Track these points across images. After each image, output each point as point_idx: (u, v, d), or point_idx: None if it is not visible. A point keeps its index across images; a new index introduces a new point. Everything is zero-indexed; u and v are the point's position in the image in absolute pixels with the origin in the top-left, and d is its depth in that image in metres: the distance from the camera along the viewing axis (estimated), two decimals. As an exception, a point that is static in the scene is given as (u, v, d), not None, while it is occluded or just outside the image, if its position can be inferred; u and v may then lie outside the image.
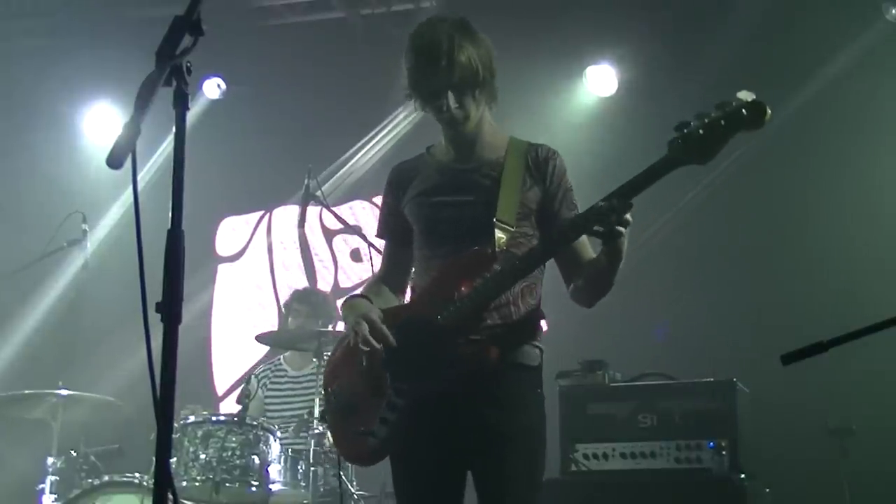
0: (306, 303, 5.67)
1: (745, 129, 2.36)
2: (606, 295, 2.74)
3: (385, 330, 2.68)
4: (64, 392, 4.96)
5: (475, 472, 2.73)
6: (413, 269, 2.96)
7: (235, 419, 4.63)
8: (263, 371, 5.62)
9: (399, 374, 2.69)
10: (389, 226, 2.99)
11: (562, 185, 2.82)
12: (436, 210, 2.82)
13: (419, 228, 2.87)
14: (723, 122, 2.38)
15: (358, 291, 3.02)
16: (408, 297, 2.99)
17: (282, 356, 5.64)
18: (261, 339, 5.45)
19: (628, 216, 2.50)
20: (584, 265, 2.74)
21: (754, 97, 2.35)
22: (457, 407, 2.65)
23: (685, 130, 2.45)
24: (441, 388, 2.65)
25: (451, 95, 2.72)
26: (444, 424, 2.67)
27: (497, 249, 2.66)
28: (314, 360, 5.00)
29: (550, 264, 2.81)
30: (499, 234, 2.68)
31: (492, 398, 2.67)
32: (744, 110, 2.35)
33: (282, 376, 5.53)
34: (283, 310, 5.83)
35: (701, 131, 2.41)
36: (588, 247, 2.75)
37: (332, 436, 2.95)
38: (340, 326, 7.09)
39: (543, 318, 2.84)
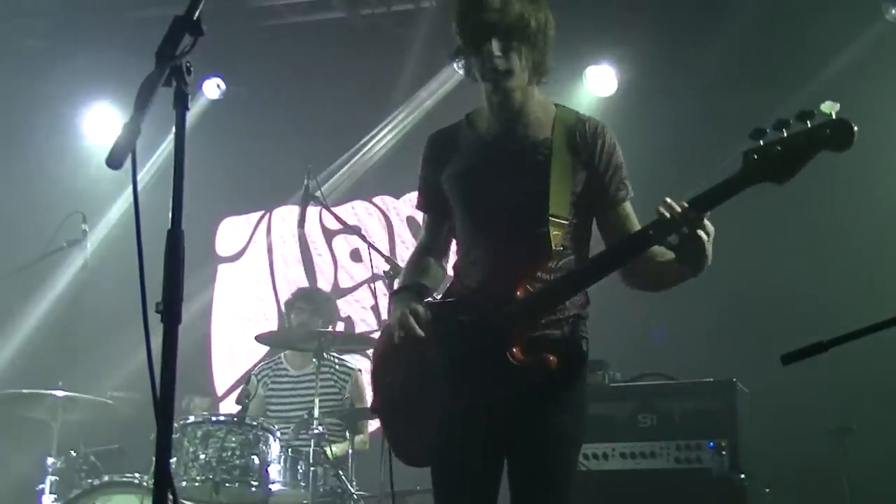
0: (310, 301, 5.67)
1: (830, 149, 2.19)
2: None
3: (432, 330, 2.57)
4: (60, 393, 4.96)
5: (515, 471, 2.63)
6: (456, 245, 2.83)
7: (235, 419, 4.62)
8: (263, 370, 5.62)
9: (453, 376, 2.60)
10: (430, 201, 2.84)
11: (611, 164, 2.65)
12: (479, 194, 2.66)
13: (460, 209, 2.72)
14: (804, 140, 2.21)
15: (403, 275, 2.90)
16: (450, 268, 2.88)
17: (282, 355, 5.64)
18: (261, 339, 5.45)
19: (707, 224, 2.34)
20: (648, 257, 2.52)
21: (838, 112, 2.18)
22: (508, 415, 2.56)
23: (762, 142, 2.27)
24: (495, 395, 2.55)
25: (495, 42, 2.54)
26: (495, 431, 2.59)
27: (554, 248, 2.54)
28: (314, 360, 4.99)
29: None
30: (554, 230, 2.54)
31: (545, 406, 2.57)
32: (828, 129, 2.18)
33: (283, 376, 5.53)
34: (283, 308, 5.82)
35: (779, 148, 2.23)
36: (637, 224, 2.62)
37: (386, 432, 2.80)
38: (340, 327, 7.11)
39: (588, 304, 2.72)
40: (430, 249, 2.88)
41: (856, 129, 2.16)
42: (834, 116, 2.18)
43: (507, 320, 2.53)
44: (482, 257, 2.66)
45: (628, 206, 2.70)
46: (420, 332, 2.56)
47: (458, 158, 2.72)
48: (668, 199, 2.35)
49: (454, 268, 2.82)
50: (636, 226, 2.62)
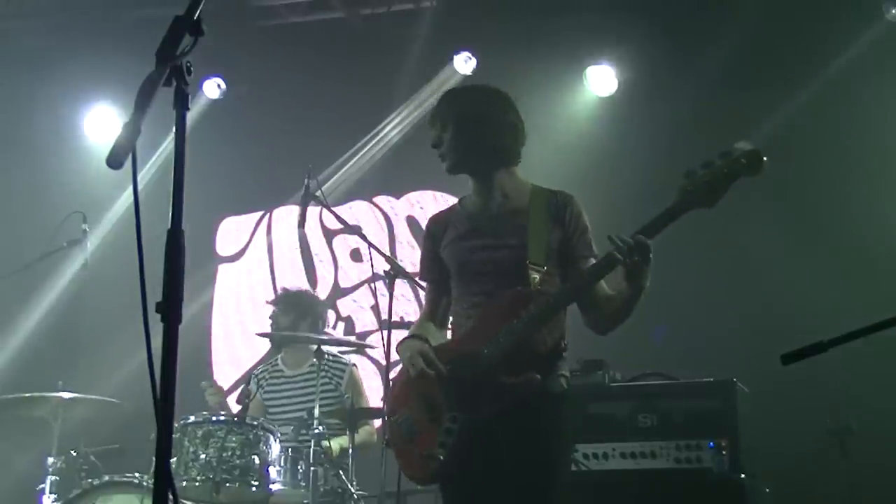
0: (292, 305, 5.52)
1: (746, 174, 2.69)
2: (618, 326, 3.07)
3: (438, 364, 3.02)
4: (63, 395, 4.96)
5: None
6: (453, 309, 3.27)
7: (235, 419, 4.62)
8: (261, 371, 5.61)
9: (452, 404, 3.01)
10: (431, 271, 3.31)
11: (578, 228, 3.11)
12: (471, 253, 3.13)
13: (455, 270, 3.18)
14: (725, 170, 2.70)
15: (409, 332, 3.35)
16: (449, 333, 3.32)
17: (279, 356, 5.63)
18: (263, 336, 5.45)
19: (645, 253, 2.77)
20: (601, 296, 3.03)
21: (750, 147, 2.69)
22: (500, 432, 2.95)
23: (693, 178, 2.73)
24: (487, 416, 2.96)
25: (436, 134, 3.23)
26: (491, 448, 2.96)
27: (533, 289, 2.97)
28: (314, 359, 4.99)
29: None
30: (533, 274, 2.99)
31: (525, 426, 2.95)
32: (742, 159, 2.68)
33: (279, 376, 5.52)
34: (276, 308, 5.71)
35: (707, 178, 2.71)
36: (602, 283, 3.04)
37: (399, 459, 3.23)
38: (340, 327, 7.11)
39: (566, 350, 3.12)
40: (429, 317, 3.34)
41: (765, 158, 2.66)
42: (747, 150, 2.69)
43: (493, 350, 2.97)
44: (473, 306, 3.11)
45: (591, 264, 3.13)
46: (428, 369, 3.02)
47: (453, 229, 3.22)
48: (612, 236, 2.81)
49: (451, 327, 3.30)
50: (600, 282, 3.05)
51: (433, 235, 3.28)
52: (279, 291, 5.88)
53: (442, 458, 2.97)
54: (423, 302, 3.44)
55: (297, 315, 5.47)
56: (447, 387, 3.02)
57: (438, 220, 3.31)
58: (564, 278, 3.08)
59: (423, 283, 3.41)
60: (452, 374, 3.02)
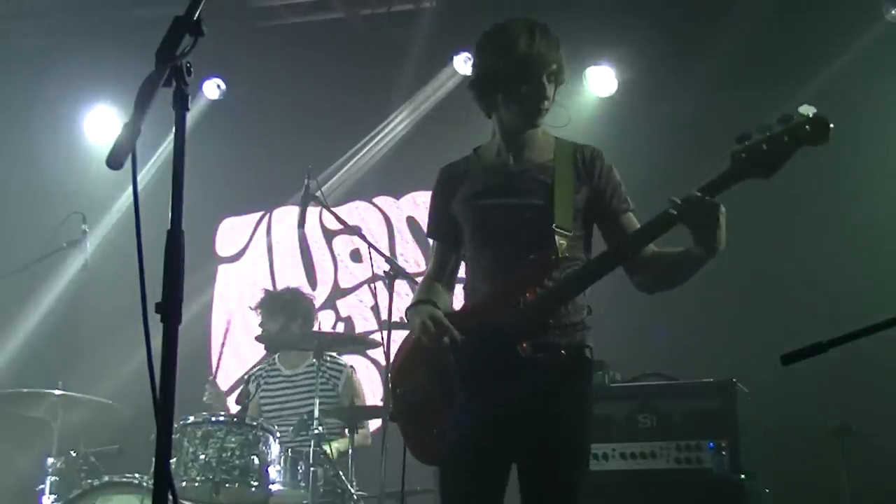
0: (275, 307, 5.45)
1: (809, 143, 2.44)
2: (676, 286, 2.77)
3: (454, 331, 2.71)
4: (64, 393, 4.96)
5: (525, 476, 2.76)
6: (465, 270, 2.98)
7: (235, 419, 4.62)
8: (258, 371, 5.60)
9: (469, 379, 2.72)
10: (439, 227, 3.02)
11: (611, 182, 2.86)
12: (487, 212, 2.85)
13: (469, 230, 2.89)
14: (786, 137, 2.44)
15: (415, 295, 3.04)
16: (458, 297, 3.03)
17: (276, 356, 5.62)
18: (260, 339, 5.44)
19: (716, 212, 2.52)
20: (650, 256, 2.73)
21: (815, 111, 2.44)
22: (521, 417, 2.69)
23: (747, 143, 2.47)
24: (507, 398, 2.69)
25: (547, 82, 2.81)
26: (512, 430, 2.71)
27: (560, 256, 2.70)
28: (313, 359, 4.99)
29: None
30: (559, 240, 2.72)
31: (551, 406, 2.71)
32: (807, 126, 2.43)
33: (276, 376, 5.51)
34: (260, 314, 5.63)
35: (764, 146, 2.45)
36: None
37: (404, 435, 2.93)
38: (340, 327, 7.11)
39: (590, 314, 2.86)
40: (437, 278, 3.01)
41: (832, 125, 2.42)
42: (811, 115, 2.45)
43: (515, 321, 2.68)
44: (491, 271, 2.82)
45: (631, 217, 2.87)
46: (443, 337, 2.70)
47: (468, 184, 2.92)
48: (676, 199, 2.52)
49: (464, 289, 2.97)
50: (636, 226, 2.78)
51: (444, 189, 2.97)
52: (261, 295, 5.70)
53: (455, 439, 2.73)
54: (430, 260, 3.09)
55: (286, 318, 5.44)
56: (462, 359, 2.71)
57: (451, 172, 2.99)
58: (587, 241, 2.85)
59: (430, 240, 3.09)
60: (469, 346, 2.71)
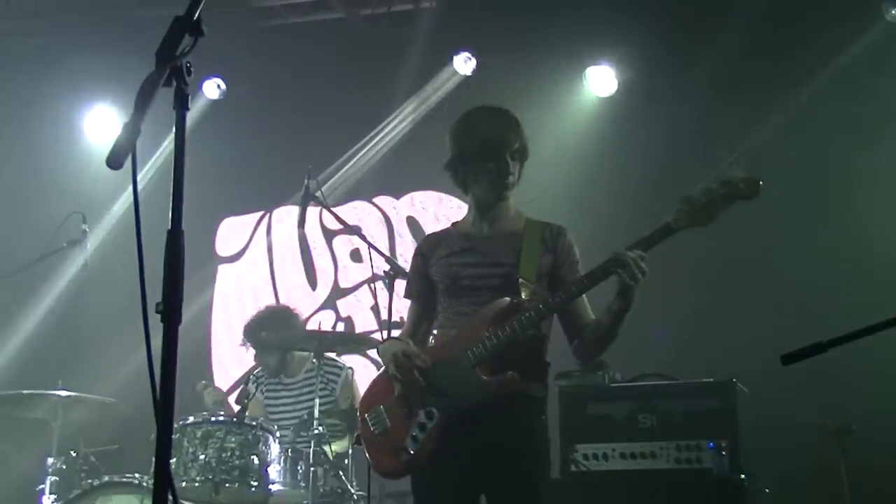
0: (268, 341, 5.41)
1: (741, 197, 2.84)
2: (605, 350, 3.20)
3: (422, 357, 3.05)
4: (64, 392, 4.96)
5: (487, 493, 3.07)
6: (437, 323, 3.29)
7: (234, 419, 4.62)
8: (260, 373, 5.60)
9: (430, 399, 3.05)
10: (417, 289, 3.33)
11: (569, 256, 3.21)
12: (462, 269, 3.18)
13: (445, 285, 3.21)
14: (722, 192, 2.84)
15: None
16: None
17: None
18: (260, 341, 5.44)
19: (644, 266, 2.88)
20: (587, 322, 3.14)
21: (747, 174, 2.83)
22: (476, 430, 3.00)
23: (691, 202, 2.86)
24: (465, 412, 3.01)
25: (511, 161, 3.14)
26: (465, 444, 3.01)
27: (522, 300, 3.03)
28: (313, 360, 4.99)
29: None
30: (523, 290, 3.06)
31: (504, 425, 3.02)
32: (741, 184, 2.83)
33: (276, 384, 5.51)
34: (248, 346, 5.56)
35: (702, 200, 2.85)
36: (589, 309, 3.18)
37: (368, 453, 3.25)
38: (340, 327, 7.11)
39: (548, 363, 3.20)
40: (411, 336, 3.31)
41: (761, 183, 2.80)
42: (743, 175, 2.84)
43: (479, 350, 3.02)
44: (461, 315, 3.16)
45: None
46: (410, 363, 3.04)
47: (446, 247, 3.27)
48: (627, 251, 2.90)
49: (435, 336, 3.32)
50: (586, 308, 3.19)
51: (423, 253, 3.32)
52: (243, 332, 5.58)
53: (412, 451, 3.02)
54: (406, 321, 3.42)
55: (280, 352, 5.41)
56: (427, 384, 3.04)
57: (431, 240, 3.37)
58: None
59: (408, 301, 3.41)
60: (434, 372, 3.04)
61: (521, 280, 3.08)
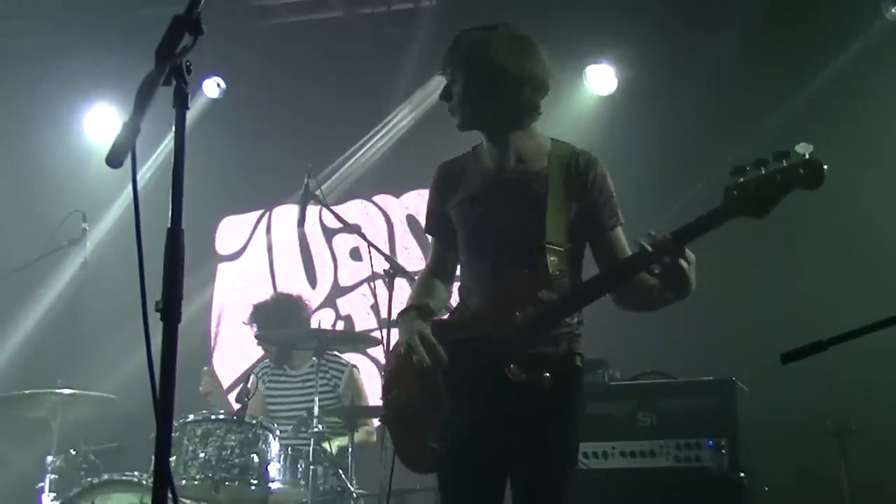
0: (273, 323, 5.40)
1: (802, 187, 2.40)
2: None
3: (439, 350, 2.72)
4: (64, 391, 4.97)
5: (516, 484, 2.80)
6: (460, 268, 3.01)
7: (234, 418, 4.62)
8: (262, 369, 5.62)
9: (455, 392, 2.76)
10: (436, 226, 3.04)
11: (603, 192, 2.83)
12: (481, 220, 2.86)
13: (463, 235, 2.91)
14: (778, 178, 2.41)
15: (411, 296, 3.06)
16: (454, 296, 3.06)
17: None
18: (261, 339, 5.45)
19: (688, 254, 2.54)
20: (636, 284, 2.72)
21: (811, 152, 2.39)
22: (508, 429, 2.73)
23: (741, 179, 2.44)
24: (495, 411, 2.72)
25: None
26: (497, 445, 2.75)
27: (551, 273, 2.70)
28: (314, 357, 4.99)
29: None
30: (551, 256, 2.71)
31: (543, 423, 2.73)
32: (801, 169, 2.39)
33: (280, 375, 5.52)
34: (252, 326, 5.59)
35: (755, 187, 2.42)
36: (626, 246, 2.82)
37: (394, 442, 2.98)
38: (340, 326, 7.11)
39: (582, 322, 2.87)
40: (436, 273, 3.04)
41: (825, 168, 2.37)
42: (807, 157, 2.39)
43: (507, 340, 2.69)
44: (484, 281, 2.84)
45: (619, 232, 2.87)
46: (425, 355, 2.71)
47: (464, 188, 2.92)
48: (652, 232, 2.52)
49: (458, 290, 3.00)
50: (626, 251, 2.80)
51: (441, 190, 2.99)
52: (250, 312, 5.65)
53: (441, 449, 2.77)
54: (429, 254, 3.12)
55: (281, 328, 5.42)
56: (450, 376, 2.75)
57: (447, 172, 3.01)
58: (577, 255, 2.84)
59: (429, 237, 3.12)
60: (457, 360, 2.72)
61: (548, 245, 2.71)
